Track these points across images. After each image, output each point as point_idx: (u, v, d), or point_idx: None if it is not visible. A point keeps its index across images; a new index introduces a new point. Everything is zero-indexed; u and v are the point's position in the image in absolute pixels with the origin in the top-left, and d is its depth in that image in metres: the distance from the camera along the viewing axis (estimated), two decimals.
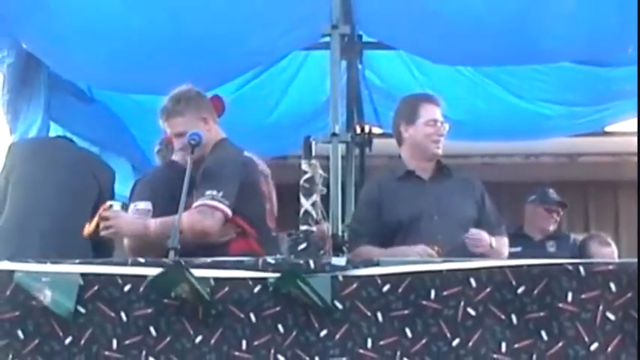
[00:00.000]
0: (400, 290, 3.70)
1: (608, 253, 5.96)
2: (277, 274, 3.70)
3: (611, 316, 3.63)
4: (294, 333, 3.69)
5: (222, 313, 3.71)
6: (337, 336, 3.67)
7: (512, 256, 4.61)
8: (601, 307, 3.64)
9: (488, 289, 3.68)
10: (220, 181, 4.12)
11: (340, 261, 3.78)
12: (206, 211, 4.05)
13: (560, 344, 3.63)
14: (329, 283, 3.69)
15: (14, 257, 3.86)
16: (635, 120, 5.86)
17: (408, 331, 3.67)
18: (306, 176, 3.97)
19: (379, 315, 3.68)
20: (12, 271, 3.74)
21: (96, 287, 3.73)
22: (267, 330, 3.70)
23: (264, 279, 3.72)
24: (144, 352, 3.69)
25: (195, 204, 4.08)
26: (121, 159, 5.97)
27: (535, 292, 3.66)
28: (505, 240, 4.62)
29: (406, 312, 3.68)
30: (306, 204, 3.93)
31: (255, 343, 3.69)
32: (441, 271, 3.72)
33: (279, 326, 3.69)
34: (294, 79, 6.06)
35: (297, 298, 3.67)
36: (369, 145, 6.01)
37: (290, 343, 3.69)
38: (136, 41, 4.91)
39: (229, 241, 4.17)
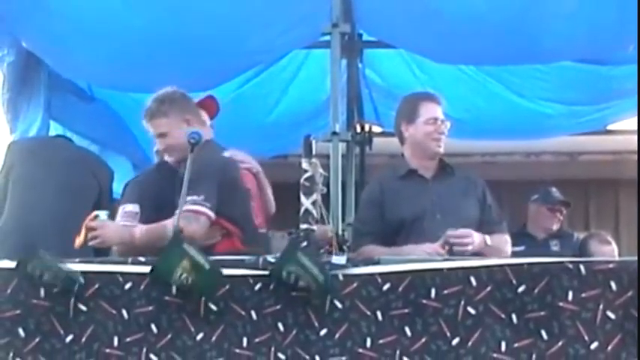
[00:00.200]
0: (400, 289, 3.70)
1: (608, 251, 5.96)
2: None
3: (612, 315, 3.64)
4: (294, 331, 3.70)
5: (223, 310, 3.72)
6: (337, 335, 3.68)
7: (515, 255, 4.58)
8: (601, 306, 3.64)
9: (488, 288, 3.68)
10: (201, 185, 4.08)
11: (340, 259, 3.78)
12: (190, 217, 4.02)
13: (560, 343, 3.63)
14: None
15: (14, 256, 3.86)
16: (636, 118, 5.85)
17: (407, 330, 3.68)
18: (306, 175, 3.97)
19: (379, 314, 3.68)
20: (13, 270, 3.74)
21: (97, 285, 3.74)
22: (268, 328, 3.71)
23: (266, 276, 3.72)
24: (145, 350, 3.70)
25: (179, 210, 4.03)
26: (122, 158, 5.97)
27: (535, 291, 3.67)
28: (506, 237, 4.61)
29: (406, 311, 3.68)
30: (306, 203, 3.93)
31: (256, 340, 3.70)
32: (441, 270, 3.72)
33: (280, 324, 3.70)
34: (295, 78, 6.06)
35: (297, 277, 3.66)
36: (370, 143, 6.01)
37: (290, 341, 3.69)
38: (136, 40, 4.91)
39: (215, 244, 4.17)
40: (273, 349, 3.69)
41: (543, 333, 3.64)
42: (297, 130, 5.43)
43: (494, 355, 3.64)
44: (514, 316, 3.66)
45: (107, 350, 3.70)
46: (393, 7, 4.80)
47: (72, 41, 4.96)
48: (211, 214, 4.09)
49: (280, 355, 3.69)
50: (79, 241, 4.13)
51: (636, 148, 5.70)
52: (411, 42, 5.20)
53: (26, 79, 5.26)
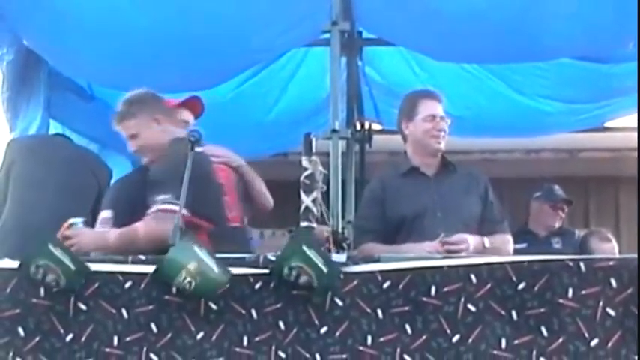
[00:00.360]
0: (401, 287, 3.70)
1: (608, 248, 5.97)
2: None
3: (612, 312, 3.64)
4: (294, 329, 3.70)
5: (223, 309, 3.72)
6: (337, 333, 3.68)
7: (517, 252, 4.59)
8: (601, 303, 3.64)
9: (488, 285, 3.68)
10: (169, 184, 4.04)
11: (341, 257, 3.78)
12: (162, 217, 3.97)
13: (560, 340, 3.63)
14: None
15: (14, 255, 3.86)
16: (636, 116, 5.85)
17: (408, 327, 3.68)
18: (306, 173, 3.97)
19: (379, 311, 3.68)
20: (14, 269, 3.74)
21: (97, 284, 3.74)
22: (268, 326, 3.70)
23: (266, 275, 3.72)
24: (145, 349, 3.70)
25: (149, 211, 4.02)
26: (121, 157, 5.96)
27: (535, 288, 3.66)
28: (507, 237, 4.60)
29: (406, 308, 3.68)
30: (306, 200, 3.93)
31: (256, 339, 3.70)
32: (441, 267, 3.72)
33: (280, 323, 3.70)
34: (294, 76, 6.06)
35: (298, 273, 3.65)
36: (370, 141, 6.01)
37: (291, 339, 3.69)
38: (137, 39, 4.91)
39: None
40: (273, 347, 3.69)
41: (543, 330, 3.64)
42: (297, 128, 5.44)
43: (495, 351, 3.64)
44: (514, 313, 3.66)
45: (107, 349, 3.70)
46: (393, 5, 4.80)
47: (73, 39, 4.96)
48: (184, 211, 4.00)
49: (281, 354, 3.69)
50: None
51: (636, 146, 5.70)
52: (411, 40, 5.20)
53: (26, 77, 5.26)
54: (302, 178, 3.96)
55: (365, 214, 4.66)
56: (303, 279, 3.66)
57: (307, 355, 3.68)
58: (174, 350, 3.70)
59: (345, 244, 4.01)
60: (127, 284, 3.73)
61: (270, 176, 5.03)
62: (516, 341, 3.65)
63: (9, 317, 3.72)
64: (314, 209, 3.93)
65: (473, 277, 3.69)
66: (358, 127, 5.90)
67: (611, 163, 7.41)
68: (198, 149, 4.31)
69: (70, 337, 3.71)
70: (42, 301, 3.73)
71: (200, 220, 4.12)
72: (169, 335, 3.71)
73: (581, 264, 3.68)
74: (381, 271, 3.72)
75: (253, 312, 3.71)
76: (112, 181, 4.92)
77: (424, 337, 3.67)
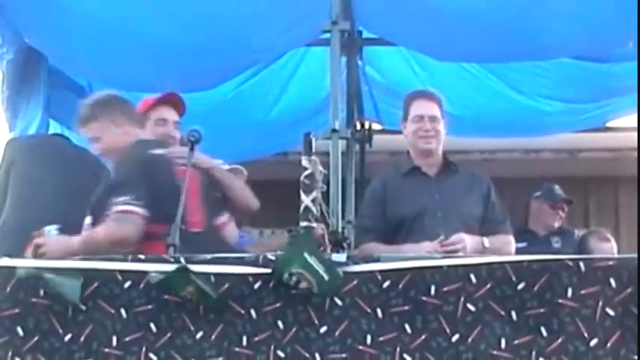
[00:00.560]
0: (400, 286, 3.70)
1: (608, 248, 5.97)
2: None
3: (611, 312, 3.63)
4: (294, 329, 3.69)
5: (222, 309, 3.71)
6: (337, 332, 3.68)
7: (517, 251, 4.59)
8: (601, 303, 3.63)
9: (488, 285, 3.68)
10: (128, 185, 4.02)
11: (340, 257, 3.78)
12: (122, 218, 3.95)
13: (559, 340, 3.63)
14: None
15: (14, 255, 3.86)
16: (636, 115, 5.85)
17: (407, 327, 3.67)
18: (306, 172, 3.97)
19: (379, 311, 3.68)
20: (13, 268, 3.74)
21: (96, 284, 3.73)
22: (268, 326, 3.70)
23: (265, 274, 3.72)
24: (144, 349, 3.69)
25: (109, 212, 3.99)
26: None
27: (535, 288, 3.66)
28: (509, 238, 4.60)
29: (406, 308, 3.68)
30: (306, 200, 3.93)
31: (256, 339, 3.69)
32: (441, 267, 3.72)
33: (279, 322, 3.69)
34: (294, 76, 6.07)
35: (298, 280, 3.65)
36: (370, 141, 6.01)
37: (290, 339, 3.69)
38: (138, 39, 4.92)
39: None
40: (272, 347, 3.69)
41: (543, 330, 3.64)
42: (297, 127, 5.44)
43: (494, 351, 3.64)
44: (514, 313, 3.65)
45: (106, 349, 3.69)
46: (393, 5, 4.80)
47: (75, 38, 4.97)
48: (143, 212, 3.99)
49: (280, 353, 3.68)
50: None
51: (636, 146, 5.70)
52: (411, 39, 5.20)
53: (25, 77, 5.26)
54: (302, 178, 3.96)
55: (366, 213, 4.67)
56: (303, 285, 3.65)
57: (307, 355, 3.68)
58: (173, 350, 3.69)
59: (345, 244, 4.01)
60: (126, 284, 3.72)
61: (270, 176, 5.04)
62: (516, 341, 3.64)
63: (8, 317, 3.71)
64: (314, 209, 3.92)
65: (472, 276, 3.68)
66: (358, 126, 5.91)
67: (611, 163, 7.41)
68: (159, 151, 4.28)
69: (68, 337, 3.70)
70: (41, 301, 3.72)
71: (153, 224, 4.05)
72: (168, 335, 3.71)
73: (581, 264, 3.68)
74: (380, 271, 3.71)
75: (252, 312, 3.70)
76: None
77: (424, 336, 3.67)
